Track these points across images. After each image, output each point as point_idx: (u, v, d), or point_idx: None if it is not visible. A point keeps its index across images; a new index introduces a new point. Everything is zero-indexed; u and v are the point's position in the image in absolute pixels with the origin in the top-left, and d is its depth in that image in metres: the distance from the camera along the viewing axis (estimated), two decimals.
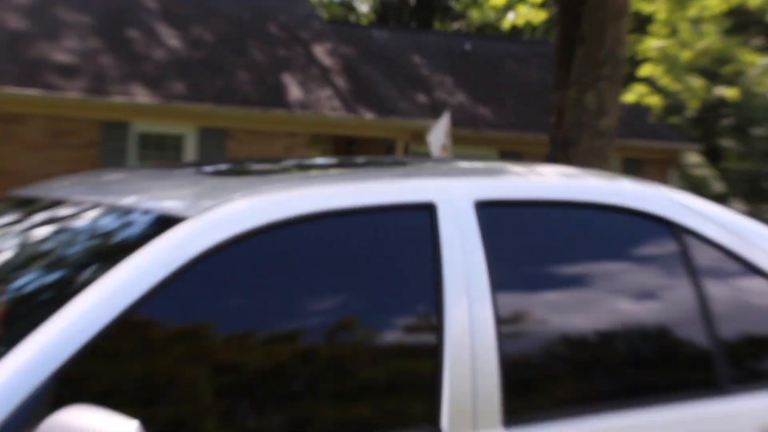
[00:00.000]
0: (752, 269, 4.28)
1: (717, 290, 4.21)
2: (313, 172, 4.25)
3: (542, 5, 12.31)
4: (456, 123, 17.35)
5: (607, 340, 4.07)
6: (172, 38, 21.25)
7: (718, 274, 4.28)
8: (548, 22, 13.32)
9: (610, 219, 4.31)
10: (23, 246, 3.92)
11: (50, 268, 3.74)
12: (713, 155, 28.69)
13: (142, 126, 18.92)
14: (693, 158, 25.58)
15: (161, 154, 19.46)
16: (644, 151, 23.15)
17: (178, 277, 3.37)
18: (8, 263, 3.85)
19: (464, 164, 4.56)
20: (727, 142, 29.44)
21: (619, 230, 4.29)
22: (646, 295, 4.18)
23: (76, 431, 2.90)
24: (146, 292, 3.29)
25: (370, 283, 3.77)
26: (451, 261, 3.78)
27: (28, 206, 4.19)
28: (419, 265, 3.78)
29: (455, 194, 3.89)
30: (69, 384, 3.11)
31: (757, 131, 28.08)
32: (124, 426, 2.87)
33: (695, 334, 4.18)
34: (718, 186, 28.16)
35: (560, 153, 9.13)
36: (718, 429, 4.08)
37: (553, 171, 4.60)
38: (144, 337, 3.31)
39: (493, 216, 3.94)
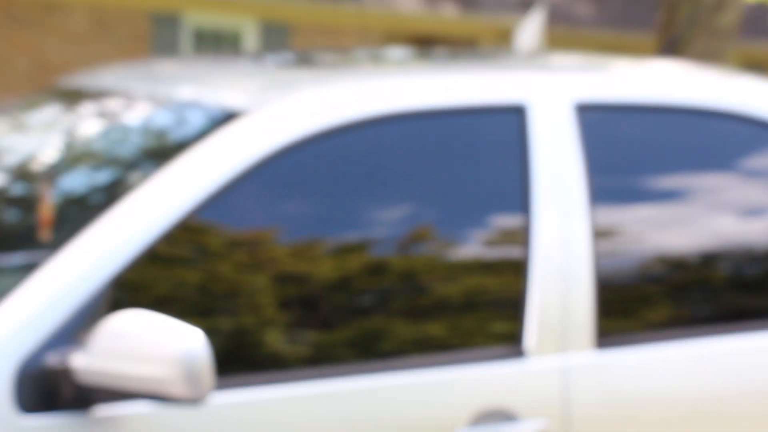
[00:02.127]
0: None
1: None
2: (387, 66, 3.92)
3: None
4: (554, 21, 16.41)
5: (711, 261, 3.75)
6: None
7: None
8: None
9: (719, 127, 3.90)
10: (69, 143, 3.63)
11: (100, 167, 3.44)
12: None
13: (195, 19, 17.80)
14: None
15: (217, 52, 17.94)
16: (765, 54, 21.27)
17: (241, 179, 3.11)
18: (54, 162, 3.63)
19: (560, 61, 4.21)
20: None
21: (729, 138, 3.90)
22: (758, 212, 3.84)
23: (133, 335, 2.69)
24: (206, 195, 3.04)
25: (451, 193, 3.43)
26: (545, 170, 3.48)
27: (73, 98, 3.89)
28: (506, 172, 3.45)
29: (552, 94, 3.56)
30: (126, 290, 2.88)
31: None
32: (188, 334, 2.63)
33: None
34: None
35: (670, 55, 8.65)
36: None
37: (662, 71, 4.13)
38: (203, 243, 3.02)
39: (593, 120, 3.63)
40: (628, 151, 3.63)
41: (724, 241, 3.75)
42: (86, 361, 2.65)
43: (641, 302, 3.52)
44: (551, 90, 3.53)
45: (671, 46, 8.87)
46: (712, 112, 3.84)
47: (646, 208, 3.62)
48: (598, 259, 3.43)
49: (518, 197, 3.39)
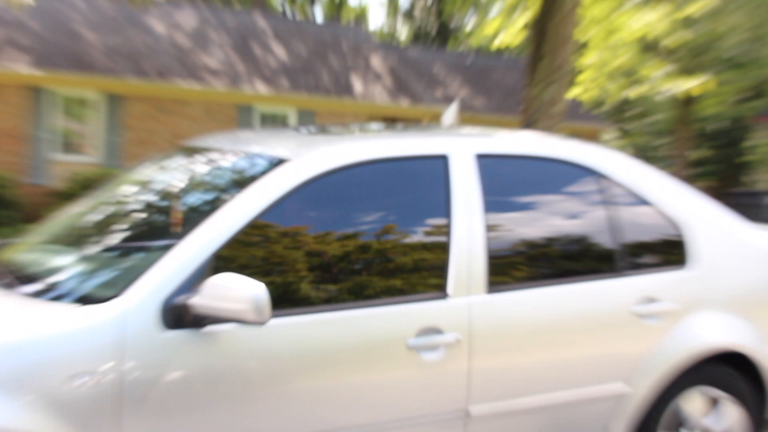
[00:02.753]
0: (642, 199, 4.47)
1: (619, 212, 4.38)
2: (370, 133, 4.45)
3: (518, 33, 12.29)
4: (461, 109, 17.99)
5: (550, 242, 4.27)
6: (280, 51, 23.13)
7: (622, 202, 4.41)
8: (521, 45, 13.09)
9: (554, 167, 4.36)
10: (190, 176, 4.28)
11: (207, 190, 4.07)
12: (622, 133, 29.39)
13: (261, 108, 21.22)
14: (608, 135, 26.03)
15: (272, 127, 20.96)
16: (578, 129, 23.59)
17: (285, 197, 3.59)
18: (181, 188, 4.17)
19: (467, 130, 4.66)
20: (630, 126, 29.87)
21: (560, 174, 4.36)
22: (575, 214, 4.34)
23: (225, 286, 3.14)
24: (266, 206, 3.53)
25: (406, 204, 3.97)
26: (458, 191, 3.95)
27: (191, 152, 4.51)
28: (437, 193, 3.95)
29: (462, 148, 4.09)
30: (221, 260, 3.35)
31: (650, 119, 28.27)
32: (254, 285, 3.12)
33: (605, 239, 4.34)
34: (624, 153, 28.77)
35: (526, 129, 9.31)
36: (616, 294, 4.25)
37: (523, 136, 4.73)
38: (264, 234, 3.55)
39: (485, 163, 4.08)
40: (503, 181, 4.15)
41: (556, 231, 4.23)
42: (199, 301, 3.16)
43: (511, 266, 4.06)
44: (461, 146, 4.09)
45: (527, 124, 9.16)
46: (548, 159, 4.36)
47: (514, 213, 4.15)
48: (488, 242, 3.92)
49: (444, 207, 3.89)
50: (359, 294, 3.64)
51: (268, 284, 3.22)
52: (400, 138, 4.22)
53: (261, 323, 3.13)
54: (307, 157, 3.72)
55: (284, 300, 3.43)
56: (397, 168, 3.95)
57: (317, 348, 3.47)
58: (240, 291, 3.09)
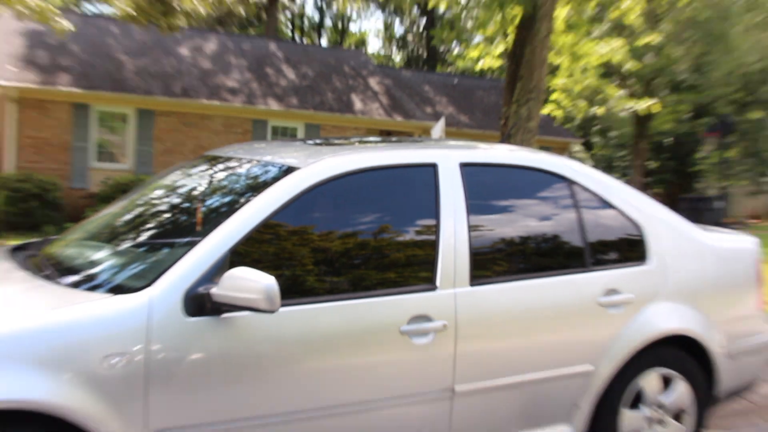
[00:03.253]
0: (606, 204, 4.47)
1: (587, 215, 4.38)
2: (368, 145, 4.35)
3: (498, 57, 12.23)
4: (448, 124, 18.29)
5: (525, 240, 4.25)
6: (290, 72, 23.32)
7: (589, 206, 4.41)
8: (501, 68, 13.06)
9: (530, 175, 4.35)
10: (210, 182, 4.28)
11: (223, 194, 4.05)
12: (588, 146, 29.58)
13: (274, 122, 21.38)
14: (576, 147, 26.21)
15: (283, 139, 20.78)
16: (550, 141, 24.78)
17: (294, 200, 3.58)
18: (203, 192, 4.17)
19: (453, 142, 4.64)
20: (595, 139, 30.02)
21: (534, 181, 4.36)
22: (548, 216, 4.33)
23: (241, 278, 3.14)
24: (277, 208, 3.53)
25: (400, 207, 3.96)
26: (446, 195, 3.95)
27: (213, 161, 4.50)
28: (427, 196, 3.94)
29: (449, 158, 4.09)
30: (237, 256, 3.36)
31: (613, 134, 28.37)
32: (266, 277, 3.13)
33: (574, 238, 4.33)
34: (590, 164, 28.93)
35: (505, 142, 9.26)
36: (584, 286, 4.23)
37: (502, 148, 4.71)
38: (276, 232, 3.55)
39: (469, 172, 4.07)
40: (484, 186, 4.13)
41: (531, 231, 4.21)
42: (217, 291, 3.18)
43: (492, 262, 4.05)
44: (448, 156, 4.09)
45: (506, 138, 9.14)
46: (525, 167, 4.33)
47: (494, 215, 4.13)
48: (471, 240, 3.91)
49: (433, 209, 3.89)
50: (358, 285, 3.64)
51: (278, 277, 3.22)
52: (394, 149, 4.21)
53: (272, 311, 3.13)
54: (314, 165, 3.71)
55: (292, 290, 3.42)
56: (392, 175, 3.94)
57: (321, 333, 3.46)
58: (254, 282, 3.10)
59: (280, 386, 3.37)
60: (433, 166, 4.00)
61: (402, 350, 3.63)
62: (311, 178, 3.64)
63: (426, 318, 3.68)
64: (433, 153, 4.10)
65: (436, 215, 3.89)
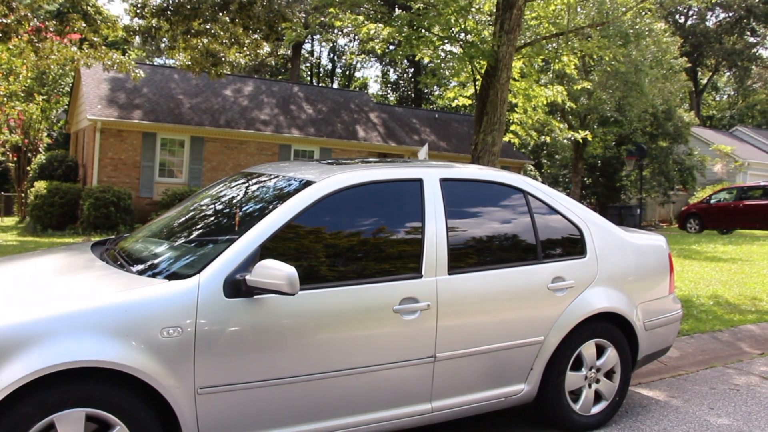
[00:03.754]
0: (553, 210, 4.42)
1: (538, 219, 4.32)
2: (368, 164, 4.21)
3: (469, 97, 12.15)
4: (430, 149, 18.63)
5: (491, 239, 4.19)
6: (309, 108, 23.16)
7: (540, 212, 4.36)
8: (471, 105, 13.00)
9: (494, 188, 4.29)
10: (245, 192, 4.20)
11: (256, 201, 3.98)
12: (539, 166, 29.68)
13: (296, 146, 21.13)
14: (530, 167, 26.44)
15: (303, 160, 20.00)
16: (509, 162, 24.80)
17: (311, 207, 3.56)
18: (238, 200, 4.11)
19: (434, 162, 4.59)
20: (544, 161, 30.06)
21: (498, 192, 4.29)
22: (509, 220, 4.25)
23: (269, 267, 3.13)
24: (297, 212, 3.51)
25: (393, 212, 3.90)
26: (429, 204, 3.92)
27: (248, 176, 4.43)
28: (414, 205, 3.90)
29: (431, 175, 4.05)
30: (266, 250, 3.34)
31: (557, 156, 28.73)
32: (289, 267, 3.12)
33: (529, 237, 4.28)
34: (540, 180, 28.78)
35: (475, 163, 9.15)
36: (537, 275, 4.18)
37: (472, 167, 4.67)
38: (296, 232, 3.52)
39: (447, 185, 4.04)
40: (458, 196, 4.07)
41: (496, 231, 4.15)
42: (251, 278, 3.17)
43: (465, 255, 3.97)
44: (431, 173, 4.04)
45: (475, 160, 9.15)
46: (489, 182, 4.26)
47: (466, 219, 4.07)
48: (449, 239, 3.86)
49: (419, 214, 3.85)
50: (360, 273, 3.59)
51: (298, 267, 3.23)
52: (389, 167, 4.13)
53: (293, 294, 3.12)
54: (326, 180, 3.68)
55: (309, 277, 3.38)
56: (387, 187, 3.89)
57: (331, 311, 3.42)
58: (279, 271, 3.09)
59: (299, 353, 3.32)
60: (419, 181, 3.95)
61: (395, 325, 3.58)
62: (324, 189, 3.61)
63: (413, 299, 3.64)
64: (419, 171, 4.04)
65: (421, 219, 3.84)
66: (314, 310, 3.37)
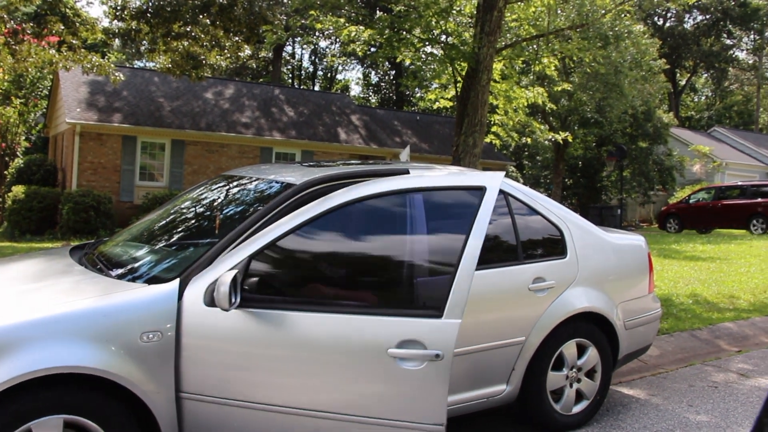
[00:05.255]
0: (534, 211, 4.41)
1: (519, 220, 4.31)
2: (350, 165, 4.13)
3: (450, 99, 12.17)
4: (412, 151, 18.64)
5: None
6: (290, 111, 23.05)
7: (521, 213, 4.35)
8: (452, 107, 13.03)
9: (474, 192, 4.08)
10: (225, 195, 4.15)
11: (237, 205, 3.93)
12: (520, 167, 30.16)
13: (278, 149, 20.97)
14: (511, 168, 27.01)
15: (284, 162, 20.68)
16: (491, 164, 24.71)
17: (291, 203, 3.41)
18: (219, 203, 4.08)
19: (415, 164, 4.36)
20: (525, 162, 30.28)
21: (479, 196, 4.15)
22: (491, 221, 3.96)
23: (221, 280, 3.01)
24: (278, 211, 3.38)
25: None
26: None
27: (229, 179, 4.38)
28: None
29: (414, 172, 3.88)
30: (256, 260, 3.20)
31: (538, 158, 30.19)
32: (228, 274, 2.98)
33: (510, 238, 4.27)
34: (521, 181, 28.86)
35: (456, 164, 9.15)
36: (518, 275, 4.16)
37: (454, 168, 4.54)
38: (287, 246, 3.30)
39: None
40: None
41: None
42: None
43: None
44: (414, 171, 3.83)
45: (456, 161, 9.26)
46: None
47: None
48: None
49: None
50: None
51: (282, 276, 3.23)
52: (365, 167, 3.98)
53: (225, 310, 2.99)
54: (305, 181, 3.58)
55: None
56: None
57: (294, 329, 3.12)
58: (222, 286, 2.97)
59: (265, 362, 3.11)
60: (407, 171, 3.84)
61: None
62: (303, 191, 3.50)
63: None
64: (404, 167, 3.94)
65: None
66: (275, 321, 3.09)
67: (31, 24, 13.40)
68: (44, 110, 24.75)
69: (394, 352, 3.03)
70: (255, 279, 3.14)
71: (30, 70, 15.27)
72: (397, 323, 3.08)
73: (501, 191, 4.25)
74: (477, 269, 3.78)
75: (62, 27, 12.99)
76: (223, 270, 3.08)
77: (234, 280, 2.97)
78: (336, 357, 3.09)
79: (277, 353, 3.09)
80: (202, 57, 13.58)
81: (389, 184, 3.52)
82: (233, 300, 2.96)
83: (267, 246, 3.17)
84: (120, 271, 3.40)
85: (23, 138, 23.09)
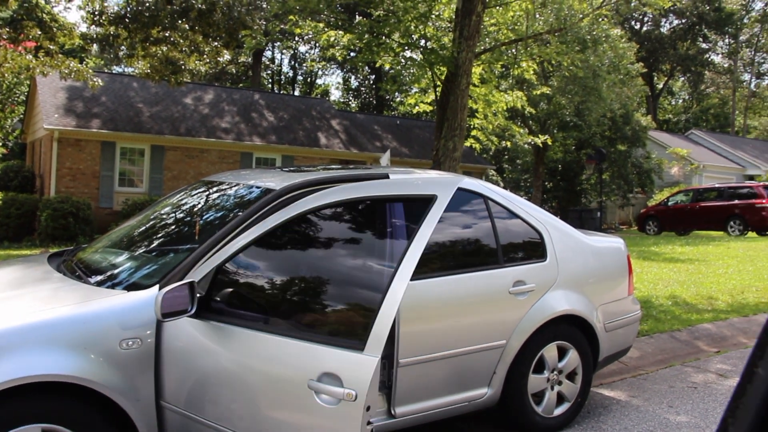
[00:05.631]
0: (514, 215, 4.42)
1: (499, 224, 4.31)
2: (330, 170, 4.13)
3: (429, 103, 12.21)
4: (392, 155, 18.66)
5: (454, 243, 4.19)
6: (270, 116, 23.04)
7: (501, 217, 4.35)
8: (432, 111, 13.07)
9: (455, 194, 4.03)
10: (205, 201, 4.13)
11: (217, 210, 3.91)
12: (500, 171, 30.53)
13: (258, 155, 20.94)
14: (491, 172, 27.14)
15: (264, 167, 19.65)
16: (471, 167, 24.82)
17: (270, 208, 3.36)
18: (199, 208, 4.05)
19: (395, 168, 4.42)
20: (505, 165, 30.43)
21: (458, 198, 4.09)
22: (471, 225, 4.24)
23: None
24: (257, 216, 3.33)
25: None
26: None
27: (209, 184, 4.37)
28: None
29: (393, 175, 3.91)
30: (227, 266, 3.20)
31: (518, 161, 30.62)
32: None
33: (490, 242, 4.26)
34: (501, 185, 28.82)
35: (436, 168, 9.17)
36: (498, 279, 4.16)
37: (433, 173, 4.58)
38: (262, 240, 3.30)
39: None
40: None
41: (458, 236, 4.13)
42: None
43: (428, 261, 3.82)
44: (393, 174, 3.85)
45: (436, 165, 9.30)
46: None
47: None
48: None
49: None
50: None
51: (258, 283, 3.20)
52: (345, 172, 3.96)
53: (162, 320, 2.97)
54: (285, 186, 3.54)
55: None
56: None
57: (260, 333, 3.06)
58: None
59: (234, 369, 2.96)
60: (386, 176, 3.84)
61: None
62: (284, 196, 3.46)
63: None
64: (384, 171, 3.94)
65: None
66: (245, 326, 3.02)
67: (8, 29, 13.27)
68: (21, 116, 24.53)
69: (313, 385, 2.75)
70: (223, 290, 3.14)
71: (6, 75, 15.13)
72: (322, 353, 2.79)
73: (480, 195, 4.27)
74: (457, 273, 3.91)
75: (39, 32, 12.90)
76: (200, 276, 3.07)
77: (191, 286, 2.93)
78: (263, 382, 2.91)
79: (227, 368, 2.98)
80: (182, 62, 13.54)
81: (333, 196, 3.44)
82: (189, 309, 2.92)
83: (225, 260, 3.14)
84: (99, 278, 3.37)
85: (0, 144, 22.91)
